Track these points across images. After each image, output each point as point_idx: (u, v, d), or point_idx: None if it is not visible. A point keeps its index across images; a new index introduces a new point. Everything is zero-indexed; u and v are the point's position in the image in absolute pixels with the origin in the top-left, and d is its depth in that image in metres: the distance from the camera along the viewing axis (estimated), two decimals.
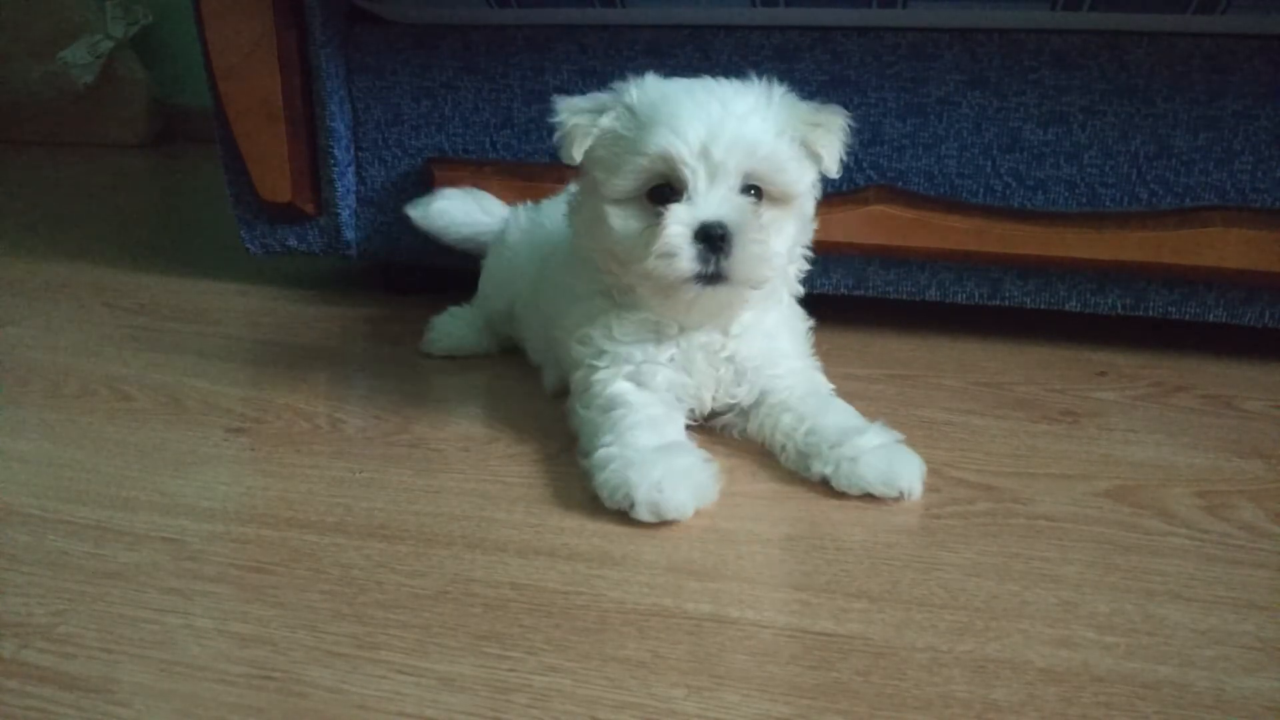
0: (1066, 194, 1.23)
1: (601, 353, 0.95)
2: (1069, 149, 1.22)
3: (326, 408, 1.10)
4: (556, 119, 0.91)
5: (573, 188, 1.04)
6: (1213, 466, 0.96)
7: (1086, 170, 1.22)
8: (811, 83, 1.26)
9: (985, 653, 0.66)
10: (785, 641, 0.68)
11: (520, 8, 1.29)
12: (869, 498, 0.87)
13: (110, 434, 1.02)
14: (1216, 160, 1.18)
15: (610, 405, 0.92)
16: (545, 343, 1.11)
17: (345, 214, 1.47)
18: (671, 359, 0.94)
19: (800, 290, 1.01)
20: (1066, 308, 1.28)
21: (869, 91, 1.26)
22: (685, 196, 0.86)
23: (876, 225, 1.27)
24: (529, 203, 1.27)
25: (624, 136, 0.88)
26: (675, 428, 0.93)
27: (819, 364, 1.02)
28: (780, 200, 0.91)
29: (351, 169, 1.47)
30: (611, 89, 0.92)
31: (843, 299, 1.33)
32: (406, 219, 1.37)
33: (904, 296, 1.32)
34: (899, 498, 0.87)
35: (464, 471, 0.94)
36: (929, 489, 0.89)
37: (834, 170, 0.92)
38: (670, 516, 0.82)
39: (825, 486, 0.89)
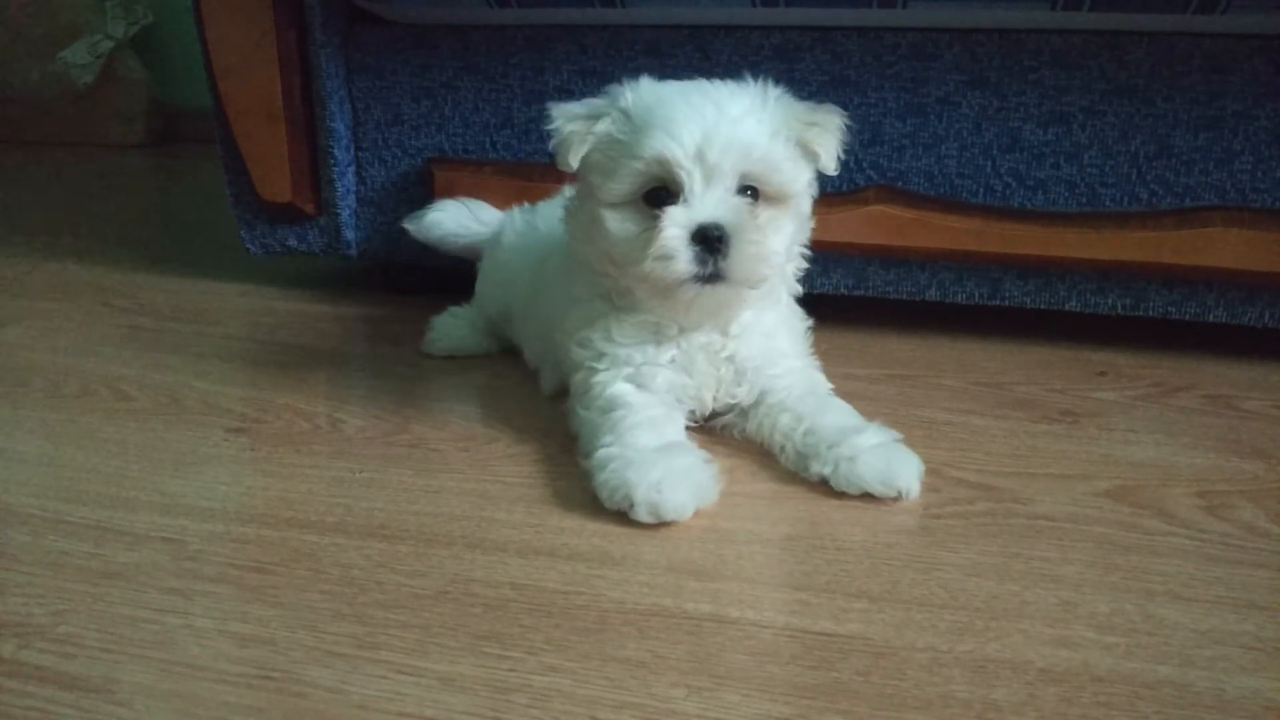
0: (1066, 194, 1.23)
1: (601, 355, 0.95)
2: (1069, 149, 1.22)
3: (326, 408, 1.10)
4: (552, 126, 0.91)
5: (569, 191, 1.04)
6: (1213, 466, 0.96)
7: (1086, 170, 1.22)
8: (811, 83, 1.26)
9: (985, 653, 0.66)
10: (785, 641, 0.68)
11: (520, 8, 1.29)
12: (868, 497, 0.87)
13: (110, 434, 1.02)
14: (1216, 160, 1.18)
15: (610, 406, 0.92)
16: (543, 345, 1.11)
17: (345, 214, 1.47)
18: (672, 360, 0.94)
19: (799, 289, 1.01)
20: (1066, 308, 1.28)
21: (869, 91, 1.26)
22: (682, 199, 0.86)
23: (876, 225, 1.26)
24: (525, 204, 1.27)
25: (619, 141, 0.88)
26: (675, 428, 0.93)
27: (818, 363, 1.02)
28: (777, 200, 0.91)
29: (351, 169, 1.47)
30: (605, 93, 0.92)
31: (843, 299, 1.33)
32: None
33: (904, 296, 1.32)
34: (897, 497, 0.87)
35: (464, 471, 0.94)
36: (929, 489, 0.89)
37: (832, 169, 0.92)
38: (669, 518, 0.82)
39: (825, 486, 0.89)
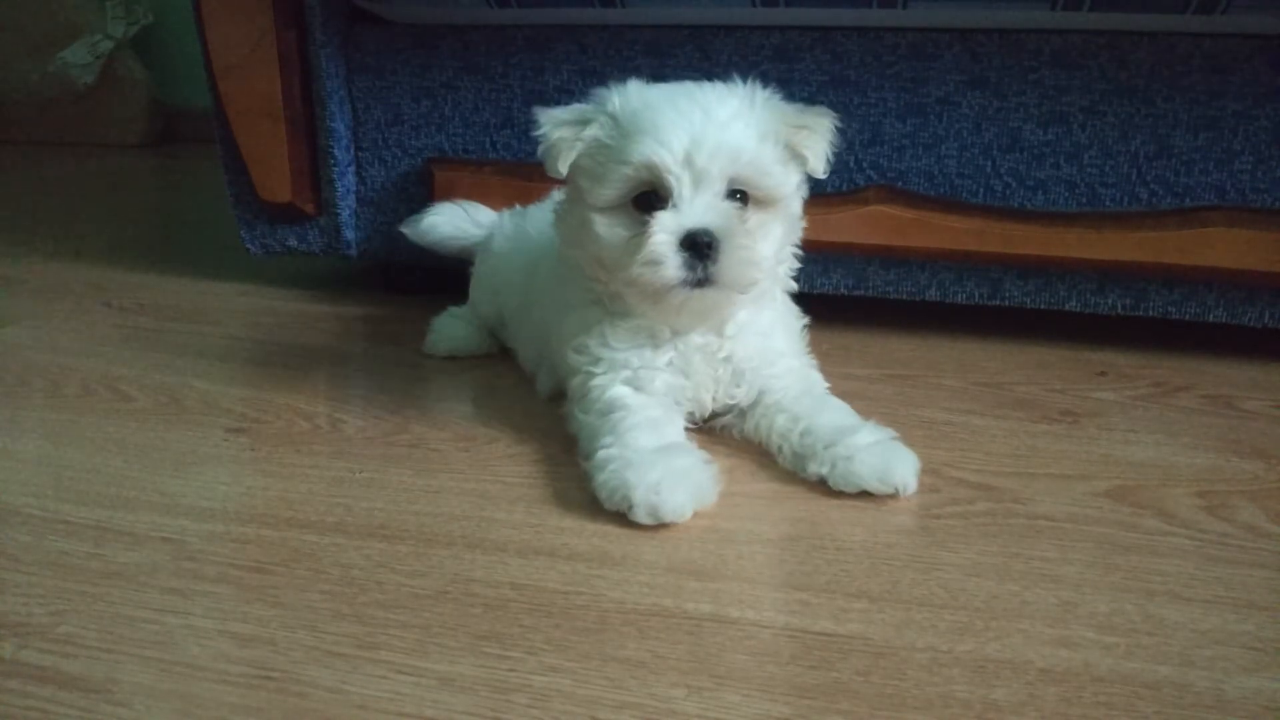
0: (1066, 194, 1.23)
1: (599, 360, 0.94)
2: (1069, 149, 1.22)
3: (326, 408, 1.10)
4: (540, 132, 0.91)
5: (558, 195, 1.04)
6: (1213, 466, 0.96)
7: (1086, 170, 1.22)
8: (811, 83, 1.26)
9: (985, 653, 0.66)
10: (785, 641, 0.68)
11: (520, 8, 1.29)
12: (868, 497, 0.87)
13: (110, 434, 1.02)
14: (1216, 160, 1.18)
15: (609, 409, 0.91)
16: (538, 349, 1.11)
17: (345, 214, 1.47)
18: (670, 363, 0.94)
19: (793, 285, 1.01)
20: (1066, 308, 1.28)
21: (869, 91, 1.26)
22: (670, 204, 0.86)
23: (876, 225, 1.27)
24: (516, 206, 1.27)
25: (608, 146, 0.88)
26: (675, 429, 0.93)
27: (814, 362, 1.02)
28: (766, 203, 0.90)
29: (351, 169, 1.47)
30: (593, 98, 0.91)
31: (843, 299, 1.33)
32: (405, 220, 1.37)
33: (904, 296, 1.32)
34: (895, 494, 0.87)
35: (464, 471, 0.94)
36: (929, 489, 0.89)
37: (820, 171, 0.92)
38: (668, 519, 0.81)
39: (824, 486, 0.89)
